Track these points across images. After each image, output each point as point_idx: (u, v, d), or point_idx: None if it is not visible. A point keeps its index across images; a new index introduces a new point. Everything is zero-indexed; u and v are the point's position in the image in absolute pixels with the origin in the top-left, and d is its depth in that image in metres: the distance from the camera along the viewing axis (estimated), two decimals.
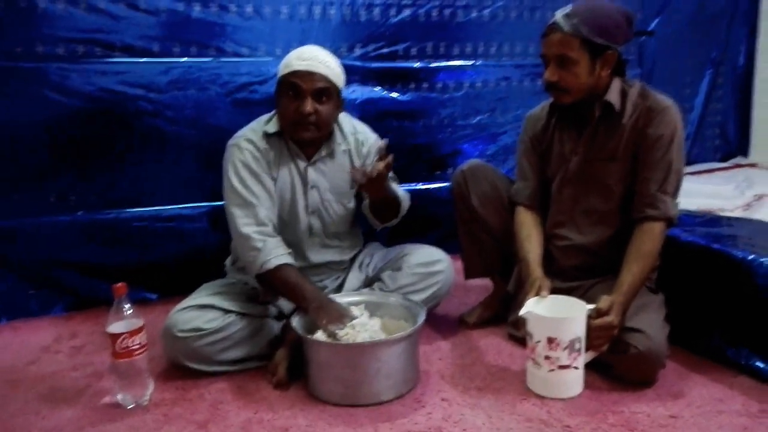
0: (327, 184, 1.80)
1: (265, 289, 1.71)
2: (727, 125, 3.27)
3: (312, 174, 1.77)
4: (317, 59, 1.67)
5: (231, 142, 1.75)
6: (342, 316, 1.57)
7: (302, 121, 1.66)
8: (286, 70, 1.67)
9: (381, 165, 1.59)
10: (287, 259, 1.64)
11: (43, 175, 2.11)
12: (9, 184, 2.08)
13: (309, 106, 1.64)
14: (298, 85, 1.64)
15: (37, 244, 2.12)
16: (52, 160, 2.11)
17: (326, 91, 1.67)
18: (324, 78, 1.66)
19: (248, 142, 1.72)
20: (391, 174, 1.86)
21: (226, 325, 1.62)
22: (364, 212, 1.88)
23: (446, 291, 1.86)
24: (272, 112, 1.78)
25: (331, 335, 1.53)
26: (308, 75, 1.64)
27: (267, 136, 1.73)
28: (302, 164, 1.76)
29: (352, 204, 1.87)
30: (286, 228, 1.77)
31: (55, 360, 1.82)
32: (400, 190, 1.87)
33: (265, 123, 1.76)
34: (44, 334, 2.02)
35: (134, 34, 2.14)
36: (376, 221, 1.87)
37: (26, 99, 2.05)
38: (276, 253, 1.63)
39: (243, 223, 1.65)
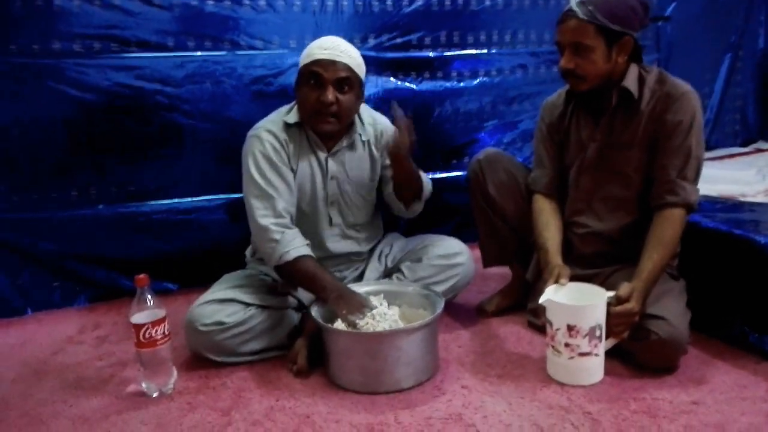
0: (347, 175, 1.80)
1: (285, 281, 1.72)
2: (747, 110, 3.22)
3: (332, 165, 1.77)
4: (339, 48, 1.67)
5: (251, 132, 1.75)
6: (361, 306, 1.58)
7: (323, 110, 1.65)
8: (308, 60, 1.67)
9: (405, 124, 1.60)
10: (305, 251, 1.65)
11: (64, 169, 2.15)
12: (30, 179, 2.12)
13: (330, 95, 1.63)
14: (319, 74, 1.64)
15: (59, 237, 2.16)
16: (71, 155, 2.14)
17: (348, 81, 1.66)
18: (346, 67, 1.66)
19: (269, 133, 1.71)
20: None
21: (248, 318, 1.64)
22: (388, 200, 1.88)
23: (466, 283, 1.87)
24: (292, 103, 1.79)
25: (351, 325, 1.54)
26: (330, 64, 1.64)
27: (287, 126, 1.73)
28: (322, 155, 1.77)
29: (372, 196, 1.88)
30: (306, 219, 1.78)
31: (80, 350, 1.86)
32: (423, 174, 1.86)
33: (285, 114, 1.76)
34: (68, 325, 2.05)
35: (149, 29, 2.16)
36: (401, 206, 1.85)
37: (44, 95, 2.08)
38: (294, 245, 1.63)
39: (261, 215, 1.66)
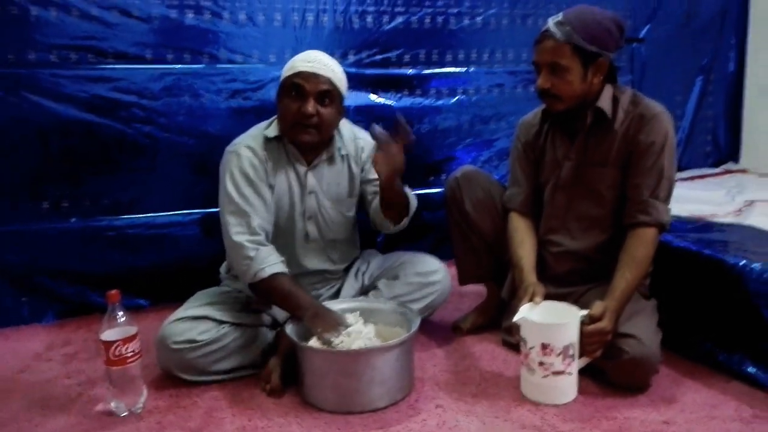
0: (325, 189, 1.79)
1: (259, 299, 1.70)
2: (718, 131, 3.28)
3: (311, 179, 1.77)
4: (322, 62, 1.69)
5: (230, 148, 1.74)
6: (337, 324, 1.57)
7: (303, 122, 1.65)
8: (290, 72, 1.68)
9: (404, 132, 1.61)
10: (280, 268, 1.63)
11: (36, 181, 2.11)
12: (1, 191, 2.07)
13: (311, 107, 1.64)
14: (301, 85, 1.64)
15: (29, 251, 2.11)
16: (44, 167, 2.10)
17: (329, 94, 1.67)
18: (328, 81, 1.67)
19: (248, 149, 1.71)
20: None
21: (220, 336, 1.61)
22: (373, 217, 1.86)
23: (442, 301, 1.87)
24: (272, 118, 1.78)
25: (326, 343, 1.53)
26: (312, 76, 1.65)
27: (267, 141, 1.72)
28: (302, 169, 1.76)
29: (351, 213, 1.87)
30: (282, 234, 1.77)
31: (48, 367, 1.81)
32: (407, 189, 1.85)
33: (264, 128, 1.75)
34: (36, 342, 2.00)
35: (127, 41, 2.14)
36: (388, 224, 1.83)
37: (18, 105, 2.04)
38: (269, 262, 1.62)
39: (236, 232, 1.65)
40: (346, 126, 1.87)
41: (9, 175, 2.07)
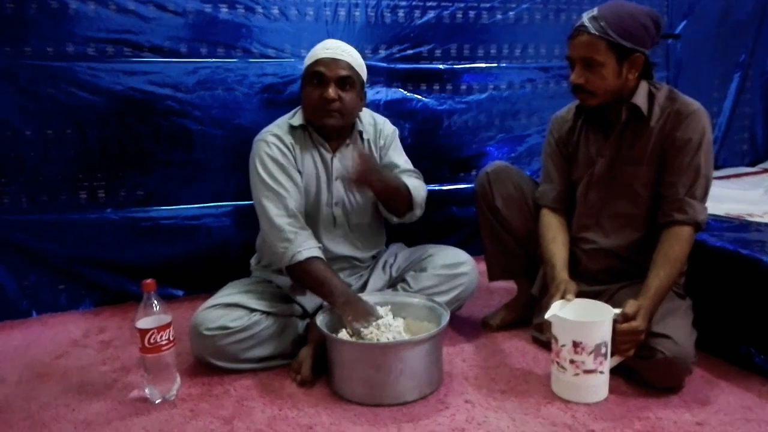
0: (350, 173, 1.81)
1: (294, 283, 1.72)
2: (755, 129, 3.22)
3: (337, 165, 1.79)
4: (340, 48, 1.73)
5: (257, 137, 1.78)
6: (368, 314, 1.58)
7: (326, 107, 1.69)
8: (311, 60, 1.73)
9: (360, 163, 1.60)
10: (317, 253, 1.66)
11: (74, 172, 2.16)
12: (40, 181, 2.12)
13: (333, 91, 1.68)
14: (322, 72, 1.68)
15: (67, 240, 2.17)
16: (81, 158, 2.15)
17: (349, 80, 1.71)
18: (347, 66, 1.70)
19: (274, 137, 1.75)
20: (408, 168, 1.87)
21: (252, 323, 1.64)
22: (382, 212, 1.88)
23: (470, 293, 1.87)
24: (296, 109, 1.82)
25: (356, 332, 1.54)
26: (332, 62, 1.69)
27: (292, 129, 1.76)
28: (327, 155, 1.79)
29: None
30: (310, 219, 1.79)
31: (84, 354, 1.86)
32: (414, 180, 1.84)
33: (289, 118, 1.80)
34: (73, 328, 2.06)
35: (162, 35, 2.18)
36: (390, 215, 1.85)
37: (57, 98, 2.09)
38: (306, 246, 1.64)
39: (275, 214, 1.67)
40: (366, 113, 1.90)
41: (48, 167, 2.12)
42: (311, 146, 1.79)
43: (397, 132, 1.94)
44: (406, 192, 1.77)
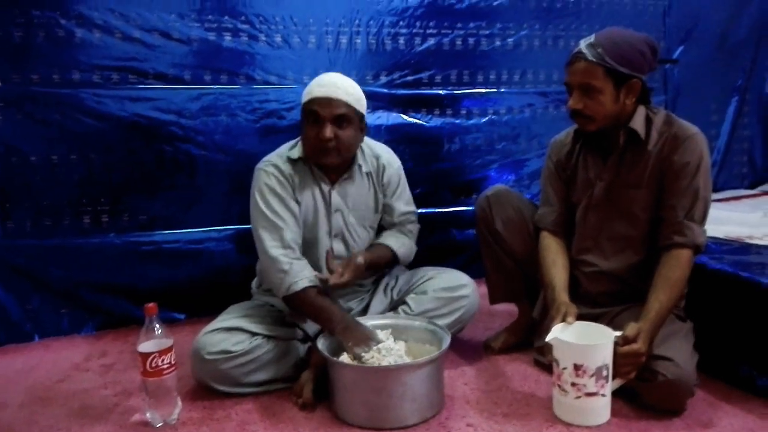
0: (350, 207, 1.82)
1: (293, 312, 1.73)
2: (754, 152, 3.24)
3: (335, 197, 1.80)
4: (335, 85, 1.70)
5: (258, 166, 1.79)
6: (368, 339, 1.58)
7: (323, 147, 1.68)
8: (307, 98, 1.71)
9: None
10: (313, 282, 1.66)
11: (77, 197, 2.18)
12: (44, 206, 2.15)
13: (329, 131, 1.66)
14: (317, 112, 1.67)
15: (70, 265, 2.18)
16: (86, 184, 2.18)
17: (345, 117, 1.69)
18: (343, 104, 1.69)
19: (274, 167, 1.75)
20: (408, 210, 1.92)
21: (253, 347, 1.64)
22: None
23: (471, 316, 1.87)
24: (297, 139, 1.82)
25: (357, 357, 1.54)
26: (326, 101, 1.67)
27: (292, 161, 1.77)
28: (326, 188, 1.79)
29: (376, 227, 1.90)
30: (309, 249, 1.80)
31: (86, 378, 1.86)
32: (402, 241, 1.88)
33: (289, 149, 1.80)
34: (75, 352, 2.06)
35: (167, 62, 2.21)
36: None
37: (62, 124, 2.13)
38: (303, 275, 1.65)
39: (270, 246, 1.69)
40: (368, 144, 1.89)
41: (52, 192, 2.15)
42: (310, 179, 1.79)
43: (401, 169, 1.93)
44: (393, 261, 1.86)
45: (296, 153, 1.77)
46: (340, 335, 1.59)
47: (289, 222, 1.72)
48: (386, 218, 1.90)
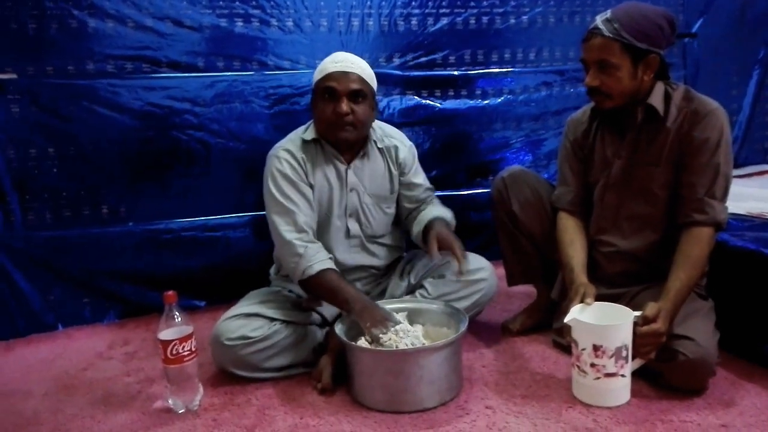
0: (366, 187, 1.82)
1: (309, 296, 1.73)
2: None
3: (351, 176, 1.80)
4: (350, 61, 1.73)
5: (271, 152, 1.80)
6: (385, 320, 1.58)
7: (339, 121, 1.69)
8: (321, 75, 1.73)
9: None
10: (329, 264, 1.67)
11: (95, 187, 2.20)
12: (64, 197, 2.17)
13: (345, 105, 1.68)
14: (333, 87, 1.68)
15: (90, 254, 2.21)
16: (103, 174, 2.20)
17: (361, 92, 1.71)
18: (358, 79, 1.71)
19: (286, 152, 1.76)
20: (428, 185, 1.91)
21: (272, 333, 1.65)
22: (414, 239, 1.91)
23: (489, 299, 1.86)
24: (308, 123, 1.83)
25: (374, 339, 1.54)
26: (343, 76, 1.69)
27: (304, 143, 1.77)
28: (342, 167, 1.80)
29: (392, 209, 1.90)
30: (324, 231, 1.80)
31: (109, 366, 1.89)
32: (444, 212, 1.88)
33: (302, 132, 1.80)
34: (98, 341, 2.09)
35: (180, 50, 2.22)
36: (423, 245, 1.86)
37: (78, 115, 2.14)
38: (317, 259, 1.66)
39: (285, 230, 1.70)
40: (379, 125, 1.90)
41: (71, 182, 2.17)
42: (324, 160, 1.79)
43: (414, 148, 1.94)
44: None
45: (309, 134, 1.78)
46: (357, 316, 1.59)
47: (301, 206, 1.73)
48: (409, 194, 1.90)
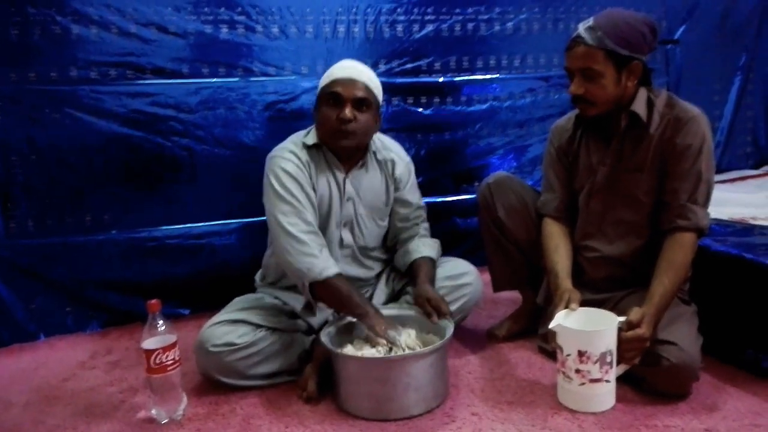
0: (362, 197, 1.81)
1: (311, 299, 1.67)
2: (758, 132, 3.20)
3: (349, 186, 1.78)
4: (357, 69, 1.72)
5: (272, 154, 1.75)
6: (395, 324, 1.59)
7: (341, 127, 1.67)
8: (327, 80, 1.71)
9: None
10: (340, 269, 1.65)
11: (79, 194, 2.18)
12: (46, 204, 2.15)
13: (349, 112, 1.65)
14: (338, 93, 1.67)
15: (73, 262, 2.18)
16: (86, 180, 2.17)
17: (366, 101, 1.69)
18: (364, 87, 1.69)
19: (291, 153, 1.72)
20: (420, 204, 1.93)
21: (258, 339, 1.64)
22: (396, 264, 1.91)
23: (474, 303, 1.86)
24: (309, 127, 1.80)
25: (391, 341, 1.54)
26: (349, 82, 1.68)
27: (306, 147, 1.74)
28: (340, 176, 1.77)
29: (384, 222, 1.89)
30: None
31: (92, 375, 1.87)
32: (431, 248, 1.87)
33: (303, 137, 1.78)
34: (81, 350, 2.07)
35: (164, 57, 2.20)
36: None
37: (61, 122, 2.12)
38: (332, 263, 1.63)
39: (298, 230, 1.63)
40: (378, 137, 1.88)
41: (53, 190, 2.14)
42: (325, 166, 1.76)
43: (412, 164, 1.93)
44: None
45: (311, 139, 1.75)
46: (371, 320, 1.57)
47: (306, 206, 1.69)
48: (401, 212, 1.88)
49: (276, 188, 1.68)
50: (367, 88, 1.70)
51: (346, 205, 1.79)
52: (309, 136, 1.77)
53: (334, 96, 1.67)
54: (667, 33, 2.87)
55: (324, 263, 1.61)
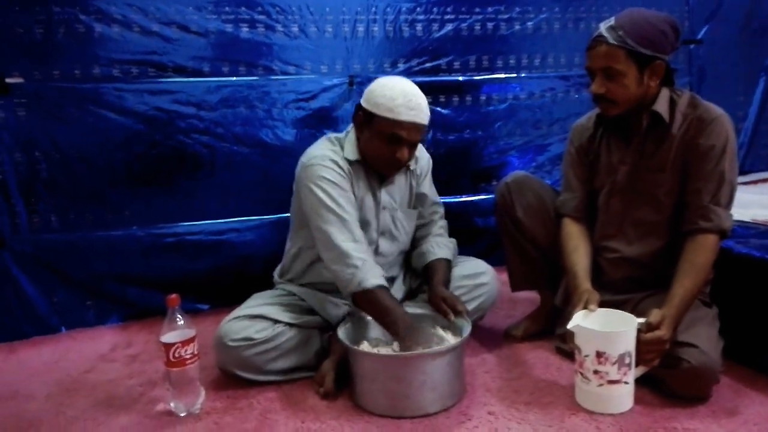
0: (395, 203, 1.82)
1: (356, 307, 1.67)
2: None
3: (384, 196, 1.79)
4: (422, 111, 1.66)
5: (311, 162, 1.69)
6: (429, 342, 1.53)
7: (398, 165, 1.70)
8: (391, 116, 1.62)
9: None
10: (383, 281, 1.61)
11: (101, 190, 2.21)
12: (69, 200, 2.18)
13: (407, 154, 1.67)
14: (402, 137, 1.64)
15: (94, 257, 2.21)
16: (108, 177, 2.20)
17: (420, 141, 1.72)
18: (424, 129, 1.69)
19: (333, 162, 1.69)
20: (436, 200, 1.92)
21: (276, 335, 1.65)
22: (412, 264, 1.92)
23: (491, 303, 1.86)
24: (345, 135, 1.78)
25: None
26: (414, 128, 1.65)
27: (348, 161, 1.72)
28: (376, 186, 1.78)
29: (413, 225, 1.90)
30: None
31: (112, 368, 1.89)
32: (447, 249, 1.87)
33: (340, 148, 1.75)
34: (101, 343, 2.10)
35: (185, 55, 2.23)
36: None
37: (84, 119, 2.15)
38: (375, 273, 1.60)
39: (342, 240, 1.61)
40: None
41: (76, 186, 2.18)
42: (364, 178, 1.75)
43: (431, 161, 1.94)
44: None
45: (352, 154, 1.72)
46: (405, 339, 1.53)
47: (353, 215, 1.67)
48: (416, 207, 1.90)
49: (321, 197, 1.65)
50: (426, 129, 1.71)
51: (382, 214, 1.79)
52: (349, 150, 1.73)
53: (396, 138, 1.64)
54: (689, 33, 2.84)
55: (365, 274, 1.58)
